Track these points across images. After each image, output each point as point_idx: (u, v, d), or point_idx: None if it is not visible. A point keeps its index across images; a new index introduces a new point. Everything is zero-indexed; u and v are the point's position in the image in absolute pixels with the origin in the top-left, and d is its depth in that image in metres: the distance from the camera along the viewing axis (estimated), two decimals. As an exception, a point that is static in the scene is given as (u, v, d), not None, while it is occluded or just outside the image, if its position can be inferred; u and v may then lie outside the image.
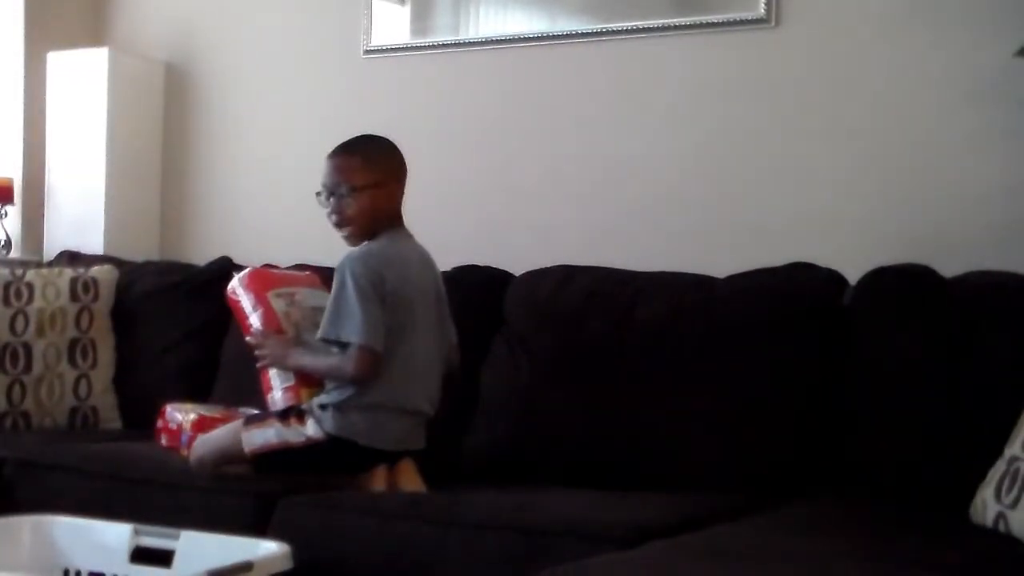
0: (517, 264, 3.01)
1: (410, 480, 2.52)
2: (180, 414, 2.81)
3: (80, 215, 3.83)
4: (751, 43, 3.03)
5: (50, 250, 3.85)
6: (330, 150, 2.59)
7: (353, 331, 2.42)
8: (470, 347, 2.75)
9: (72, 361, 3.29)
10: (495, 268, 3.05)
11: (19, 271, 3.41)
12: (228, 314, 2.87)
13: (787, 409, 2.53)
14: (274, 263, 3.24)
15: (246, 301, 2.68)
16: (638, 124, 3.17)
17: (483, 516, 2.16)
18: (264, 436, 2.45)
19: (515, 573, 1.97)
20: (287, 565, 2.09)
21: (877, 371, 2.47)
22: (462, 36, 3.45)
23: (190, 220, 3.93)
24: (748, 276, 2.70)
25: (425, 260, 2.62)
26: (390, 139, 2.62)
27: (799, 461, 2.50)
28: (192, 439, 2.64)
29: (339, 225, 2.56)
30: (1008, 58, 2.60)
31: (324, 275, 2.72)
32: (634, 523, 2.05)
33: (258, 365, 2.62)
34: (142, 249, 3.84)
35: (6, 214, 3.87)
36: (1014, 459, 2.03)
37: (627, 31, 3.19)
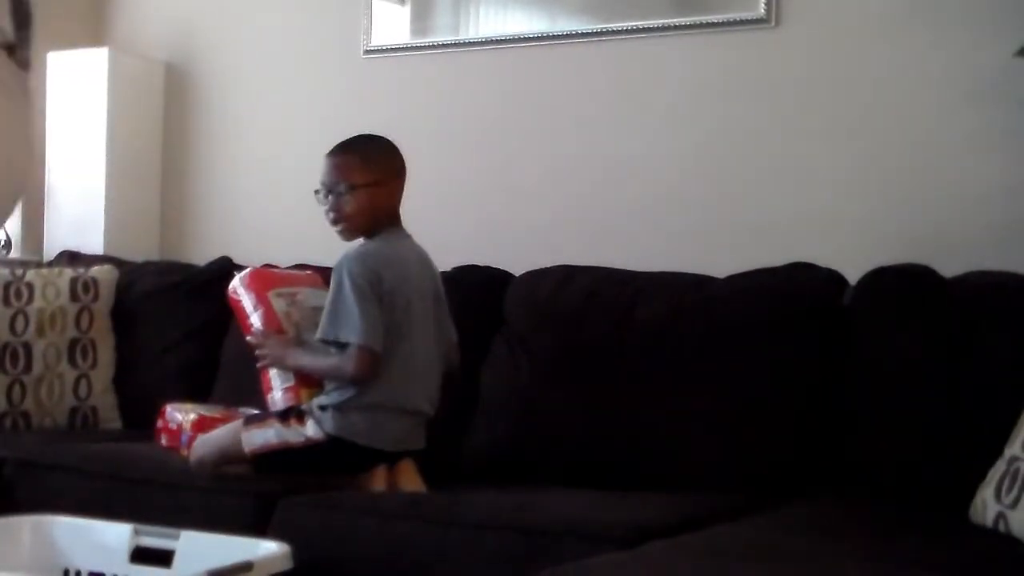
0: (517, 264, 3.01)
1: (410, 480, 2.52)
2: (180, 414, 2.81)
3: (80, 215, 3.83)
4: (751, 43, 3.03)
5: (50, 250, 3.84)
6: (329, 149, 2.59)
7: (352, 331, 2.42)
8: (470, 347, 2.75)
9: (72, 361, 3.29)
10: (495, 268, 3.05)
11: (19, 271, 3.41)
12: (228, 314, 2.87)
13: (787, 409, 2.53)
14: (274, 263, 3.24)
15: (247, 301, 2.68)
16: (638, 124, 3.17)
17: (483, 516, 2.16)
18: (264, 436, 2.45)
19: (515, 573, 1.97)
20: (287, 565, 2.09)
21: (877, 371, 2.47)
22: (462, 36, 3.45)
23: (190, 220, 3.93)
24: (748, 276, 2.70)
25: (423, 260, 2.62)
26: (390, 139, 2.62)
27: (799, 461, 2.50)
28: (192, 439, 2.64)
29: (335, 222, 2.56)
30: (1008, 58, 2.60)
31: (326, 275, 2.71)
32: (634, 523, 2.05)
33: (258, 365, 2.62)
34: (142, 249, 3.84)
35: (6, 214, 3.87)
36: (1014, 459, 2.03)
37: (627, 31, 3.18)
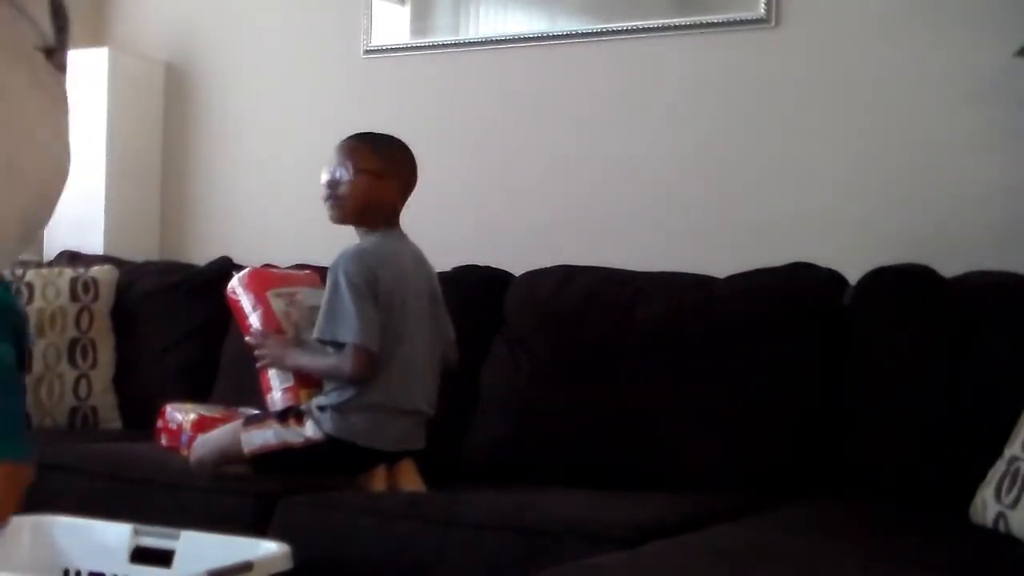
0: (517, 264, 3.01)
1: (410, 480, 2.52)
2: (180, 414, 2.81)
3: (80, 215, 3.83)
4: (751, 43, 3.03)
5: (50, 250, 3.84)
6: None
7: (348, 331, 2.42)
8: (470, 347, 2.75)
9: (72, 361, 3.29)
10: (495, 268, 3.05)
11: (19, 271, 3.40)
12: (228, 314, 2.87)
13: (787, 409, 2.53)
14: (274, 263, 3.24)
15: (246, 301, 2.68)
16: (638, 124, 3.17)
17: (483, 516, 2.17)
18: (263, 437, 2.45)
19: (515, 573, 1.97)
20: (287, 565, 2.09)
21: (877, 371, 2.47)
22: (462, 36, 3.44)
23: (190, 220, 3.93)
24: (748, 276, 2.70)
25: (419, 259, 2.62)
26: (412, 149, 2.63)
27: (799, 461, 2.50)
28: (192, 439, 2.64)
29: (327, 199, 2.56)
30: (1008, 58, 2.60)
31: (325, 275, 2.71)
32: (634, 523, 2.05)
33: (257, 365, 2.62)
34: (142, 249, 3.84)
35: (6, 214, 3.87)
36: (1014, 459, 2.03)
37: (627, 31, 3.18)
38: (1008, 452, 2.07)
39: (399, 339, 2.48)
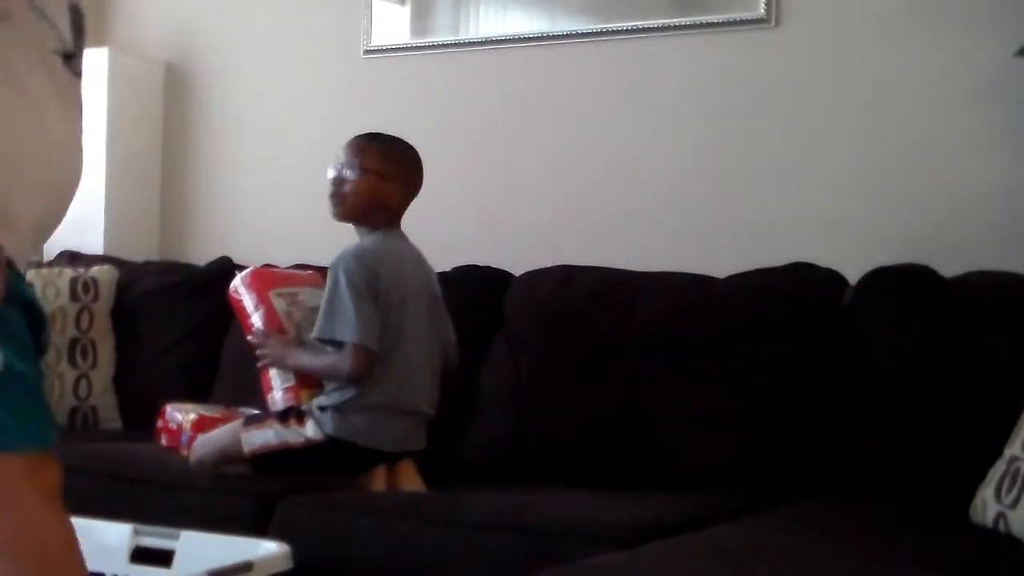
0: (517, 264, 3.01)
1: (410, 480, 2.52)
2: (180, 414, 2.81)
3: (80, 215, 3.79)
4: (751, 43, 3.03)
5: (50, 250, 3.84)
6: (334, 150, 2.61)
7: (347, 330, 2.42)
8: (470, 347, 2.75)
9: (72, 361, 3.29)
10: (495, 268, 3.05)
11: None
12: (228, 314, 2.87)
13: (787, 409, 2.53)
14: (274, 263, 3.24)
15: (248, 300, 2.68)
16: (638, 124, 3.17)
17: (483, 516, 2.17)
18: (263, 437, 2.45)
19: (515, 573, 1.97)
20: (287, 565, 2.09)
21: (877, 371, 2.47)
22: (462, 36, 3.44)
23: (190, 220, 3.93)
24: (748, 276, 2.70)
25: (418, 259, 2.62)
26: (420, 155, 2.63)
27: (799, 461, 2.50)
28: (192, 439, 2.64)
29: (331, 196, 2.57)
30: (1008, 58, 2.60)
31: (326, 275, 2.72)
32: (634, 523, 2.05)
33: (259, 365, 2.62)
34: (142, 249, 3.84)
35: (6, 214, 3.87)
36: (1014, 459, 2.03)
37: (627, 31, 3.18)
38: (1008, 452, 2.07)
39: (399, 339, 2.48)
